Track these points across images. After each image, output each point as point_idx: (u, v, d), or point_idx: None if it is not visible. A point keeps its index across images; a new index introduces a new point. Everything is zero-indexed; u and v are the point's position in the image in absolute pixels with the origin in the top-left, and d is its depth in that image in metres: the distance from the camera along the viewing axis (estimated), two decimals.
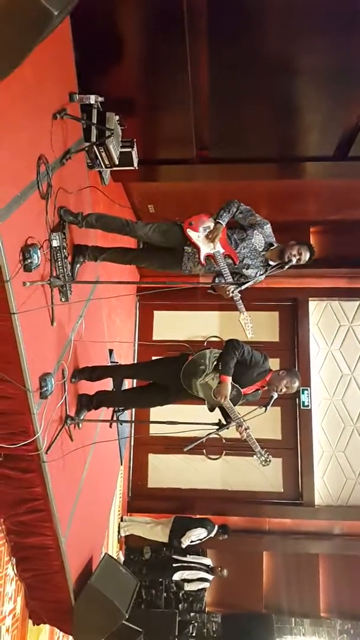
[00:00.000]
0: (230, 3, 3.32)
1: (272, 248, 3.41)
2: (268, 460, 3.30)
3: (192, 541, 6.20)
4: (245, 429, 3.24)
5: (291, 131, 4.78)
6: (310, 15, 3.39)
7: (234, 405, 3.27)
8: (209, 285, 3.37)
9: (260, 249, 3.39)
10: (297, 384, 3.42)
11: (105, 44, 3.66)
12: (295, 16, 3.41)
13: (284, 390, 3.37)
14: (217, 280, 3.38)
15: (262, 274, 3.40)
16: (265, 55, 3.77)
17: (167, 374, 3.57)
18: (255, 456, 3.32)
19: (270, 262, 3.43)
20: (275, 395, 3.37)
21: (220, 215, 3.34)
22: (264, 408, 3.31)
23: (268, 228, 3.42)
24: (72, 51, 3.23)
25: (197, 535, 6.22)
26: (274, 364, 3.54)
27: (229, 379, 3.25)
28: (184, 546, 6.18)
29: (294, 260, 3.27)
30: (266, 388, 3.44)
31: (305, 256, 3.32)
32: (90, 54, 3.48)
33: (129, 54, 3.80)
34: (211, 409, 3.42)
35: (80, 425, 3.48)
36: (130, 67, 3.93)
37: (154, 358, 5.18)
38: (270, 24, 3.50)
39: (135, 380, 4.67)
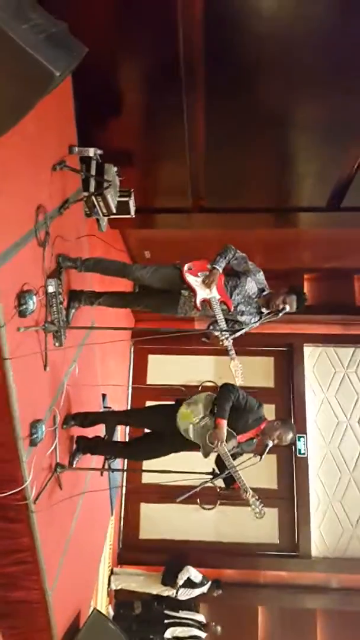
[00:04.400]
0: (227, 58, 3.43)
1: (263, 294, 3.47)
2: (262, 512, 3.23)
3: (189, 577, 6.00)
4: (245, 488, 3.21)
5: (286, 182, 4.91)
6: (305, 70, 3.49)
7: (229, 452, 3.23)
8: (203, 333, 3.38)
9: (253, 296, 3.45)
10: (290, 436, 3.39)
11: (104, 98, 3.79)
12: (289, 72, 3.51)
13: (276, 441, 3.34)
14: (212, 326, 3.40)
15: (255, 321, 3.43)
16: (260, 108, 3.88)
17: (161, 419, 3.53)
18: (250, 507, 3.26)
19: (263, 310, 3.47)
20: (271, 444, 3.34)
21: (217, 261, 3.36)
22: (259, 457, 3.28)
23: (261, 275, 3.48)
24: (72, 105, 3.35)
25: (194, 576, 6.03)
26: (269, 410, 3.51)
27: (225, 423, 3.22)
28: (180, 582, 5.95)
29: (281, 308, 3.29)
30: (260, 437, 3.40)
31: (293, 305, 3.34)
32: (90, 108, 3.60)
33: (128, 108, 3.93)
34: (206, 455, 3.36)
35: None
36: (129, 120, 4.06)
37: (147, 404, 5.13)
38: (266, 78, 3.60)
39: (128, 427, 4.61)
